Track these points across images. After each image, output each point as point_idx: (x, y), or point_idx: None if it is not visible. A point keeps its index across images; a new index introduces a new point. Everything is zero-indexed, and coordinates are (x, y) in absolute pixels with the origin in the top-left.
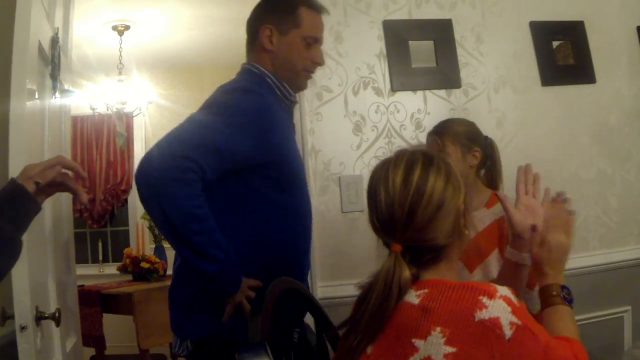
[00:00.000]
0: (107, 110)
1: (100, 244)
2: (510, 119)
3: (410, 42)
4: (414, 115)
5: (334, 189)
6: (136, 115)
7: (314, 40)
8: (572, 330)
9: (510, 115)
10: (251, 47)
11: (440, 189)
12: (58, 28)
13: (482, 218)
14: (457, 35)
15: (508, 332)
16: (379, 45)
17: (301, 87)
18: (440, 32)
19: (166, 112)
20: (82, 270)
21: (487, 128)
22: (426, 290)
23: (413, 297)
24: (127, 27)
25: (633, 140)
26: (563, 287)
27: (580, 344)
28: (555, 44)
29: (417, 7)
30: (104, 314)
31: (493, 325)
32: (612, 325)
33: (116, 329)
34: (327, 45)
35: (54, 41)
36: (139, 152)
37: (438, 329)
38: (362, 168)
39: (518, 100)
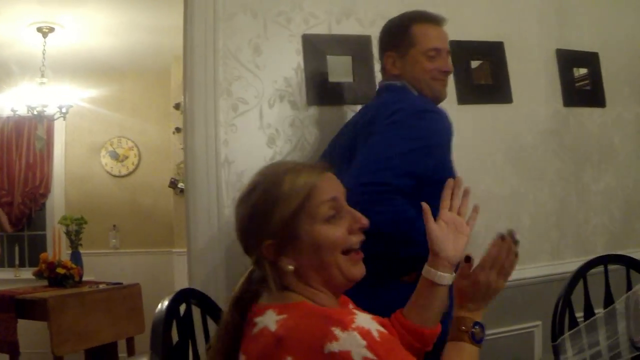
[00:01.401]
0: (28, 112)
1: (16, 248)
2: None
3: (329, 57)
4: (329, 130)
5: None
6: (57, 119)
7: (436, 52)
8: None
9: None
10: (384, 75)
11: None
12: None
13: None
14: (376, 52)
15: None
16: (297, 59)
17: (441, 96)
18: (359, 48)
19: (87, 116)
20: None
21: None
22: (285, 316)
23: (272, 323)
24: (51, 29)
25: (547, 160)
26: (476, 324)
27: None
28: (474, 63)
29: (337, 23)
30: (18, 320)
31: (343, 359)
32: (523, 340)
33: (31, 335)
34: (245, 57)
35: None
36: (59, 155)
37: (289, 358)
38: None
39: None
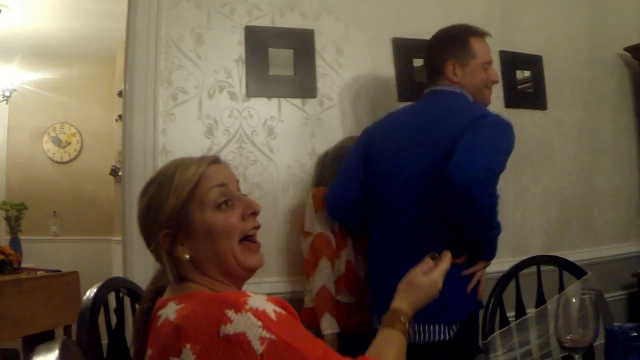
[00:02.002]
0: None
1: None
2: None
3: (270, 50)
4: (267, 122)
5: None
6: (0, 102)
7: (489, 64)
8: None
9: (364, 128)
10: (438, 78)
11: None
12: None
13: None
14: (318, 46)
15: (259, 347)
16: (239, 50)
17: (488, 103)
18: (301, 42)
19: (31, 100)
20: None
21: (339, 138)
22: (183, 305)
23: (172, 313)
24: None
25: None
26: (411, 322)
27: None
28: (416, 61)
29: (280, 16)
30: None
31: (239, 340)
32: None
33: None
34: (187, 46)
35: None
36: (0, 140)
37: (188, 345)
38: None
39: (375, 114)
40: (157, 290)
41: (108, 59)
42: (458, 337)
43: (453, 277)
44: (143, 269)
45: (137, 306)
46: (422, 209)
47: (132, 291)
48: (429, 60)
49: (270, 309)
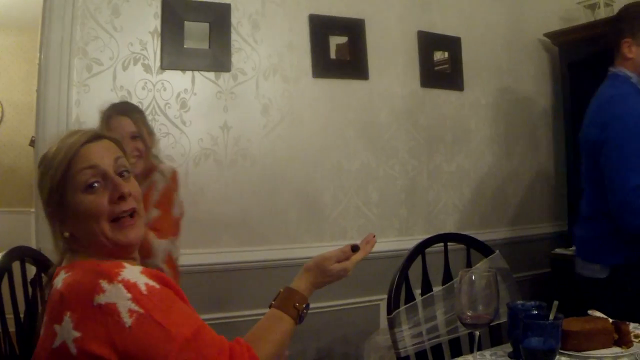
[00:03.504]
0: None
1: None
2: (276, 106)
3: (186, 23)
4: (180, 94)
5: None
6: None
7: None
8: (273, 344)
9: (277, 103)
10: (617, 56)
11: None
12: None
13: None
14: (234, 21)
15: (127, 319)
16: (155, 23)
17: None
18: (217, 16)
19: None
20: None
21: (252, 114)
22: (70, 274)
23: (60, 282)
24: None
25: (400, 138)
26: (307, 306)
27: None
28: (336, 39)
29: None
30: None
31: (109, 311)
32: (370, 312)
33: None
34: (104, 18)
35: None
36: None
37: (68, 313)
38: None
39: (287, 89)
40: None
41: (31, 28)
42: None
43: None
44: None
45: (43, 276)
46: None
47: (39, 261)
48: (609, 37)
49: (142, 281)
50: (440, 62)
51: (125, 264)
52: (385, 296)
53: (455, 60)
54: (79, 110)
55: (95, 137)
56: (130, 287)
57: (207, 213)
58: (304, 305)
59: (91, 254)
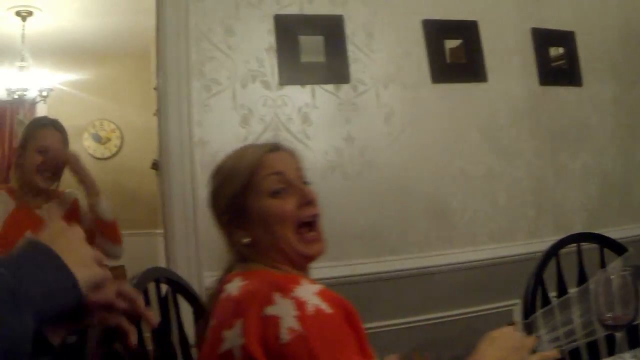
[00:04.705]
0: (8, 96)
1: None
2: (398, 115)
3: (301, 37)
4: (302, 109)
5: None
6: (38, 103)
7: None
8: None
9: (399, 111)
10: None
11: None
12: None
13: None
14: (348, 31)
15: (286, 336)
16: (269, 39)
17: None
18: (331, 28)
19: (68, 100)
20: None
21: (375, 124)
22: (247, 282)
23: (235, 289)
24: (30, 13)
25: (522, 138)
26: None
27: None
28: (450, 43)
29: (308, 3)
30: None
31: (272, 322)
32: (502, 318)
33: None
34: (218, 38)
35: None
36: None
37: (240, 321)
38: None
39: (407, 97)
40: (226, 273)
41: (142, 54)
42: None
43: None
44: (185, 260)
45: (178, 296)
46: None
47: (173, 281)
48: None
49: (313, 302)
50: (555, 58)
51: (303, 281)
52: (517, 300)
53: (572, 55)
54: (201, 131)
55: (275, 147)
56: (300, 305)
57: (336, 226)
58: None
59: (268, 263)
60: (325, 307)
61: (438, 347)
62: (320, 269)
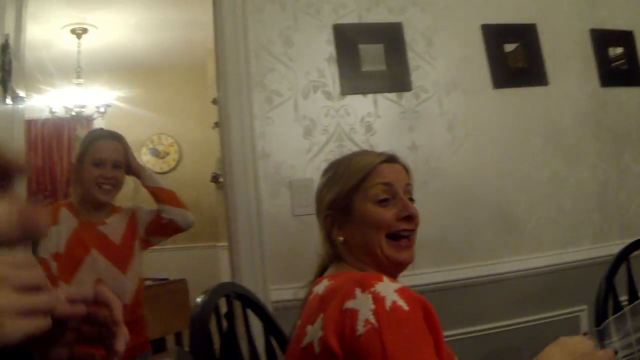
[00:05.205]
0: (66, 113)
1: None
2: (461, 121)
3: (360, 46)
4: (364, 118)
5: (284, 192)
6: (95, 119)
7: None
8: None
9: (462, 118)
10: None
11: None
12: (8, 34)
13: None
14: (408, 39)
15: (361, 328)
16: (329, 49)
17: None
18: (391, 36)
19: (125, 115)
20: None
21: (438, 131)
22: (332, 282)
23: (322, 288)
24: (85, 30)
25: (586, 141)
26: None
27: None
28: (507, 46)
29: (367, 11)
30: None
31: (350, 314)
32: (569, 324)
33: None
34: (277, 49)
35: (4, 47)
36: None
37: (322, 315)
38: (313, 172)
39: (469, 103)
40: (316, 277)
41: (198, 68)
42: None
43: None
44: (251, 273)
45: (247, 311)
46: None
47: (242, 295)
48: None
49: (391, 298)
50: (615, 59)
51: (384, 278)
52: (584, 307)
53: (631, 55)
54: (264, 143)
55: (392, 159)
56: (378, 299)
57: None
58: None
59: (357, 265)
60: (402, 304)
61: (505, 357)
62: None
